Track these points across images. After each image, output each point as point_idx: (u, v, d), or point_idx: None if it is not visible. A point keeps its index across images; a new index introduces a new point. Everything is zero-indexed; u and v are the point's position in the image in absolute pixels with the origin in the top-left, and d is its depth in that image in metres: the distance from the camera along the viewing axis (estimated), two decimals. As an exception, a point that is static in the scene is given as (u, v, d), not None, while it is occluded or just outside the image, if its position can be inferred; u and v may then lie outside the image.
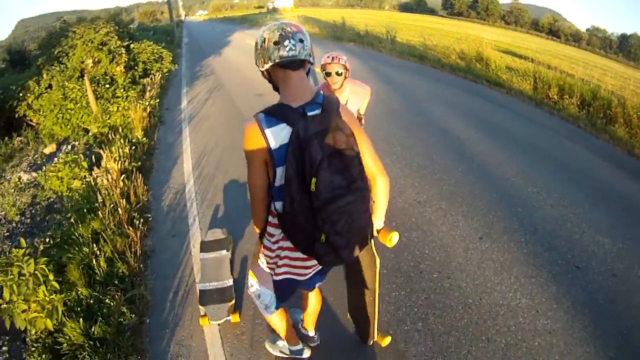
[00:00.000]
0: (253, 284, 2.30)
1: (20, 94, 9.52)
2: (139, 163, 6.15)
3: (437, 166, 5.99)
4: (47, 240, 4.65)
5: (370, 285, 2.53)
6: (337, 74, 3.68)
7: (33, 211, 6.03)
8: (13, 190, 6.80)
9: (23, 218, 5.93)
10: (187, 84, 12.86)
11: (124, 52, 10.02)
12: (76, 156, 6.02)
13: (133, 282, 3.86)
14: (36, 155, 8.41)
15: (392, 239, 2.21)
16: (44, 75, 9.43)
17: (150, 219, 4.93)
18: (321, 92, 1.88)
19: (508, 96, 10.77)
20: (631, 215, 4.94)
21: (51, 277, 3.41)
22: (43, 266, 3.41)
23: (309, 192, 1.64)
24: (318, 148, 1.61)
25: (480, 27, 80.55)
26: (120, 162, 5.61)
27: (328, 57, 3.68)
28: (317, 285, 2.49)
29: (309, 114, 1.74)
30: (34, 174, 7.16)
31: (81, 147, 8.09)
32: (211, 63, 17.17)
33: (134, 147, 6.57)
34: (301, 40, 1.75)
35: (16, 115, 9.51)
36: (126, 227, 4.33)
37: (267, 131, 1.73)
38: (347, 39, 23.51)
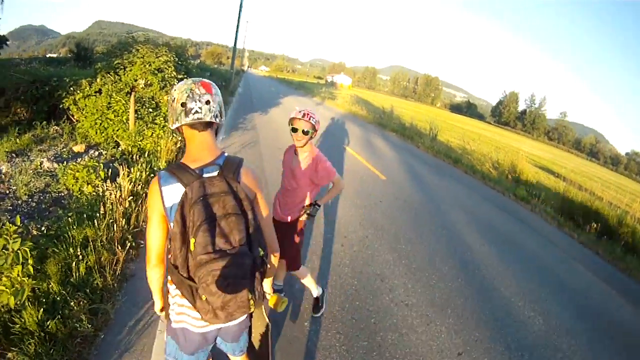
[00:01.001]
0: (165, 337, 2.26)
1: (71, 88, 10.09)
2: None
3: (437, 272, 6.07)
4: (42, 228, 4.93)
5: (262, 349, 2.56)
6: (304, 132, 3.58)
7: (41, 197, 6.32)
8: (31, 172, 7.12)
9: (30, 200, 6.22)
10: (225, 132, 13.31)
11: (176, 83, 10.50)
12: (97, 164, 6.43)
13: (103, 296, 4.06)
14: (64, 149, 8.80)
15: (281, 306, 2.35)
16: (98, 80, 9.92)
17: (141, 246, 5.13)
18: (225, 153, 2.01)
19: (532, 213, 11.03)
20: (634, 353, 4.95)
21: (30, 261, 3.70)
22: (27, 249, 3.71)
23: (189, 251, 1.73)
24: (202, 210, 1.69)
25: (523, 140, 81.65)
26: (134, 184, 5.93)
27: (300, 112, 3.61)
28: (233, 352, 2.38)
29: (205, 175, 1.82)
30: (55, 165, 7.52)
31: (108, 156, 8.52)
32: (255, 119, 17.74)
33: (152, 175, 6.90)
34: (207, 102, 1.86)
35: (60, 106, 10.04)
36: (116, 244, 4.61)
37: (164, 189, 1.83)
38: (390, 128, 24.01)
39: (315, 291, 4.36)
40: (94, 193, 5.95)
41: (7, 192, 6.46)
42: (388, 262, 6.08)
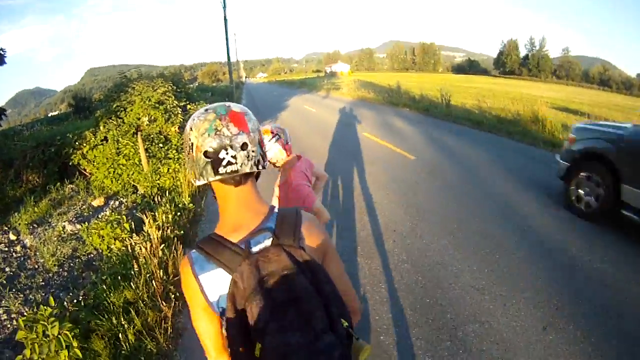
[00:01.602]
0: None
1: (77, 143, 9.91)
2: (182, 232, 6.06)
3: (497, 246, 5.60)
4: (79, 300, 4.61)
5: None
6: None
7: (72, 264, 6.06)
8: (55, 239, 6.87)
9: (60, 270, 5.97)
10: None
11: (180, 112, 10.27)
12: (119, 217, 6.05)
13: (160, 360, 3.70)
14: (84, 207, 8.56)
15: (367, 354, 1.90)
16: (101, 127, 9.76)
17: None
18: (275, 208, 1.38)
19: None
20: None
21: (74, 343, 3.39)
22: (67, 332, 3.38)
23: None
24: (264, 302, 1.10)
25: (533, 85, 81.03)
26: (162, 229, 5.57)
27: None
28: None
29: (254, 249, 1.23)
30: (78, 226, 7.25)
31: (129, 203, 8.23)
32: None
33: (179, 213, 6.57)
34: (244, 146, 1.24)
35: (70, 163, 9.85)
36: (160, 300, 4.25)
37: (202, 278, 1.25)
38: (402, 104, 23.65)
39: None
40: (123, 248, 5.58)
41: (36, 266, 6.20)
42: (445, 248, 5.62)
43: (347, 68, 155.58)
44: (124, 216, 6.14)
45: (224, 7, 32.11)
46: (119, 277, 4.70)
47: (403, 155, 10.95)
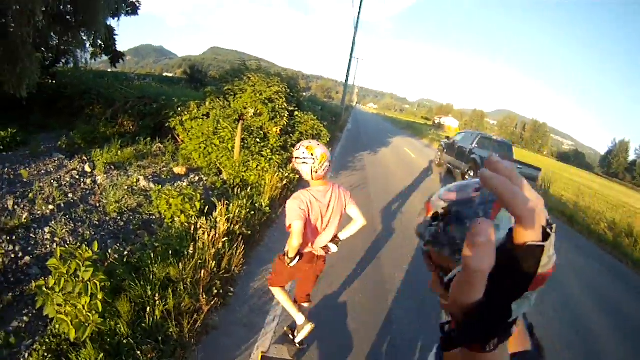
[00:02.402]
0: None
1: (179, 109, 10.05)
2: (249, 232, 5.82)
3: None
4: (123, 255, 4.46)
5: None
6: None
7: (131, 217, 5.94)
8: (126, 188, 6.81)
9: (118, 218, 5.87)
10: (333, 170, 12.70)
11: (286, 115, 10.19)
12: (193, 193, 5.87)
13: (175, 350, 3.45)
14: (164, 169, 8.60)
15: None
16: (207, 103, 9.83)
17: (230, 295, 4.52)
18: None
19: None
20: None
21: (100, 296, 3.20)
22: (97, 282, 3.21)
23: None
24: None
25: (633, 194, 76.12)
26: (231, 222, 5.35)
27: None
28: None
29: None
30: (152, 185, 7.18)
31: (208, 183, 8.17)
32: (365, 159, 17.09)
33: (252, 212, 6.34)
34: None
35: (166, 125, 10.01)
36: (201, 291, 3.98)
37: None
38: None
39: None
40: (186, 224, 5.40)
41: (98, 205, 6.14)
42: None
43: (455, 124, 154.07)
44: (198, 194, 5.97)
45: (355, 29, 32.30)
46: (170, 251, 4.51)
47: None
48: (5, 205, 5.75)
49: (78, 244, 4.38)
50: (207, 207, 6.05)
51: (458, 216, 0.70)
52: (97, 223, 5.61)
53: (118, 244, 5.05)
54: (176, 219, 5.58)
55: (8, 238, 4.80)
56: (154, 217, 6.04)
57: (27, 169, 7.40)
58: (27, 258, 4.51)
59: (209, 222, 5.23)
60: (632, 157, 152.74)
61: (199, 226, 5.07)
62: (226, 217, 5.28)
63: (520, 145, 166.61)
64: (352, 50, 32.55)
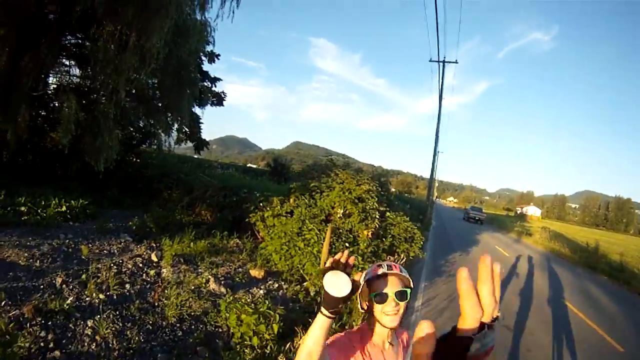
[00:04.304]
0: None
1: (261, 203, 9.35)
2: None
3: None
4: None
5: None
6: (400, 295, 1.77)
7: (192, 327, 4.84)
8: (193, 288, 5.80)
9: (177, 326, 4.79)
10: (427, 277, 11.50)
11: (378, 216, 9.12)
12: (271, 313, 4.64)
13: None
14: (240, 270, 7.57)
15: None
16: (291, 200, 9.11)
17: None
18: None
19: None
20: None
21: None
22: None
23: None
24: None
25: None
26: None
27: (380, 265, 1.83)
28: None
29: None
30: (223, 290, 6.12)
31: (289, 294, 6.91)
32: (457, 260, 15.86)
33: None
34: None
35: (246, 220, 9.18)
36: None
37: None
38: (600, 270, 21.29)
39: None
40: (259, 351, 4.19)
41: (156, 304, 5.12)
42: None
43: (538, 212, 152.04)
44: (277, 315, 4.71)
45: (438, 121, 31.64)
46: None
47: (610, 344, 8.80)
48: (53, 282, 5.10)
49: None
50: (285, 329, 4.84)
51: None
52: (151, 327, 4.59)
53: (169, 362, 3.95)
54: (246, 339, 4.38)
55: (43, 322, 4.07)
56: (219, 331, 4.89)
57: (89, 246, 6.81)
58: (57, 353, 3.69)
59: (290, 354, 4.02)
60: None
61: (273, 354, 3.88)
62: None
63: (605, 226, 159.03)
64: (436, 143, 32.11)
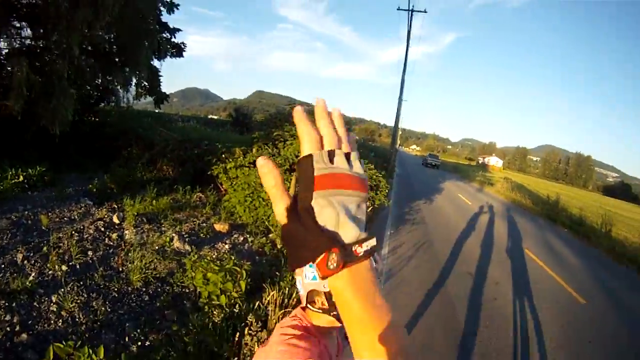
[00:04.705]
0: None
1: (223, 155, 9.09)
2: None
3: None
4: (143, 347, 3.39)
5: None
6: None
7: (159, 290, 4.78)
8: (156, 248, 5.71)
9: (143, 290, 4.73)
10: (392, 225, 11.62)
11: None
12: (238, 270, 4.55)
13: None
14: (204, 224, 7.46)
15: None
16: (254, 150, 8.84)
17: None
18: None
19: None
20: None
21: None
22: None
23: None
24: None
25: None
26: (286, 307, 4.13)
27: None
28: None
29: None
30: (187, 247, 6.03)
31: (255, 246, 6.87)
32: (421, 208, 16.16)
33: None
34: None
35: (209, 172, 8.92)
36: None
37: None
38: (560, 222, 22.05)
39: None
40: (227, 309, 4.16)
41: (120, 270, 5.02)
42: None
43: (499, 163, 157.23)
44: (243, 271, 4.64)
45: (404, 70, 31.50)
46: (205, 345, 3.29)
47: (572, 296, 9.14)
48: (14, 259, 4.88)
49: (80, 342, 3.26)
50: (254, 286, 4.81)
51: None
52: (116, 295, 4.50)
53: (138, 330, 3.90)
54: (214, 298, 4.32)
55: (7, 304, 3.91)
56: (186, 292, 4.84)
57: (49, 215, 6.54)
58: (25, 335, 3.55)
59: (258, 311, 3.99)
60: None
61: (242, 313, 3.86)
62: (279, 302, 4.05)
63: (564, 180, 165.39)
64: (401, 92, 32.11)
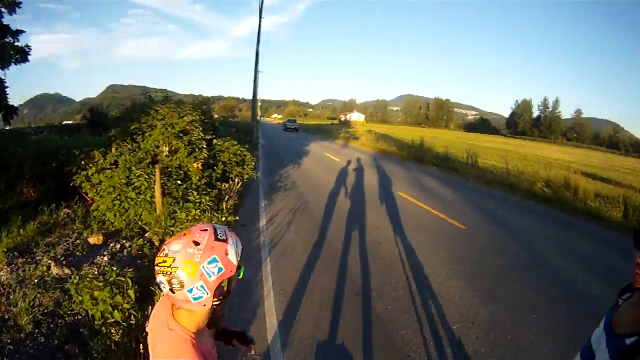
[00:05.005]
0: None
1: (83, 161, 8.72)
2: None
3: None
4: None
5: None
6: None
7: (52, 326, 4.67)
8: (36, 281, 5.56)
9: (37, 331, 4.58)
10: (265, 196, 11.91)
11: (205, 146, 9.03)
12: (123, 279, 4.56)
13: None
14: (78, 241, 7.24)
15: None
16: (113, 149, 8.64)
17: None
18: None
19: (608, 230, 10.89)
20: None
21: None
22: None
23: None
24: None
25: (544, 146, 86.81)
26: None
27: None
28: None
29: None
30: (67, 270, 5.90)
31: (133, 250, 6.87)
32: (290, 174, 16.56)
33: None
34: None
35: (72, 184, 8.41)
36: None
37: None
38: (428, 162, 23.79)
39: None
40: (125, 325, 4.21)
41: (7, 317, 4.81)
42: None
43: (362, 117, 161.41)
44: (128, 279, 4.65)
45: (258, 42, 31.80)
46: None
47: (452, 224, 10.13)
48: None
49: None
50: (142, 289, 4.83)
51: None
52: (12, 347, 4.28)
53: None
54: (108, 316, 4.32)
55: None
56: (79, 318, 4.79)
57: None
58: None
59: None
60: (535, 113, 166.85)
61: (140, 320, 3.97)
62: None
63: (426, 124, 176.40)
64: (256, 64, 32.91)
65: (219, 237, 1.45)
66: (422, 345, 4.73)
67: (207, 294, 1.41)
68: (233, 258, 1.46)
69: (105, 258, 6.44)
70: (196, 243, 1.40)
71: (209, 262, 1.39)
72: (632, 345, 1.42)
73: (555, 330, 5.23)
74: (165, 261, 1.38)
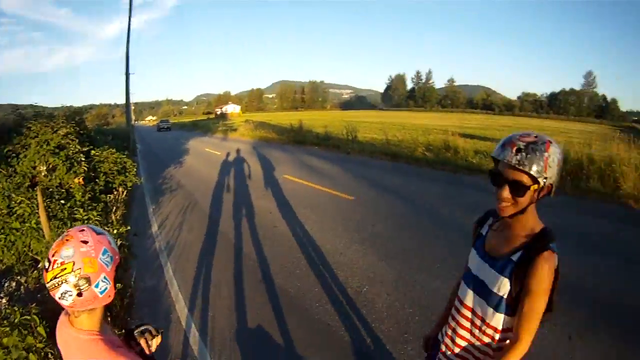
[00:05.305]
0: None
1: None
2: (118, 330, 4.66)
3: None
4: None
5: None
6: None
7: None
8: None
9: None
10: (151, 201, 11.75)
11: (83, 159, 8.64)
12: (29, 317, 4.40)
13: None
14: (-33, 288, 6.70)
15: None
16: None
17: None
18: None
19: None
20: None
21: None
22: None
23: None
24: None
25: (421, 115, 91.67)
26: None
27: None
28: None
29: None
30: (-37, 326, 5.52)
31: (31, 284, 6.49)
32: (173, 174, 16.38)
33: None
34: None
35: (-55, 225, 7.68)
36: None
37: None
38: (309, 143, 24.29)
39: None
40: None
41: None
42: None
43: (237, 109, 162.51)
44: (34, 316, 4.49)
45: (127, 44, 30.67)
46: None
47: (341, 197, 10.61)
48: None
49: None
50: (53, 323, 4.71)
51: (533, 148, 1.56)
52: None
53: None
54: (24, 362, 4.19)
55: None
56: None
57: None
58: None
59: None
60: (410, 86, 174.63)
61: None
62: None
63: (303, 108, 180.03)
64: (127, 66, 31.76)
65: (97, 232, 1.61)
66: (339, 312, 5.07)
67: (110, 283, 1.57)
68: (114, 246, 1.64)
69: (4, 300, 6.10)
70: (84, 242, 1.53)
71: (103, 254, 1.55)
72: (519, 259, 1.69)
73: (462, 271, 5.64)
74: (65, 268, 1.47)
